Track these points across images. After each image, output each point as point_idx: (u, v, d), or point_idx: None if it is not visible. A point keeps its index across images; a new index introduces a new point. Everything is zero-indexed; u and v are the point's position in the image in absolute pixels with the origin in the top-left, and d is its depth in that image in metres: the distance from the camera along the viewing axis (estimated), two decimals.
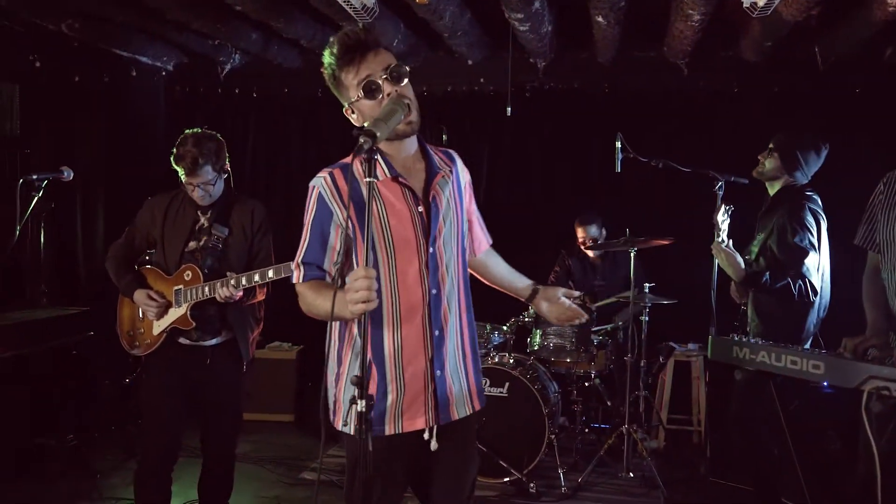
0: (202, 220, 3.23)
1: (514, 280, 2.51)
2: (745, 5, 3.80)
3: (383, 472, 2.04)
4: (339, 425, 2.19)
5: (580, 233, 5.28)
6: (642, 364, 4.69)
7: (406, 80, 2.07)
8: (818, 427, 3.37)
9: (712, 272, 4.50)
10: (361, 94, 2.05)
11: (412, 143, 2.19)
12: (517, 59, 5.26)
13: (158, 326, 3.24)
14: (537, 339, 4.73)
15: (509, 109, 5.18)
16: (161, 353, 3.24)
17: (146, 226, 3.30)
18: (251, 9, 4.37)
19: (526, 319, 4.74)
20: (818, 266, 3.54)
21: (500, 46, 5.36)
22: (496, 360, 4.56)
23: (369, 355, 2.12)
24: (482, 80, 5.74)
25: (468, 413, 2.23)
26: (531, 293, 2.46)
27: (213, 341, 3.23)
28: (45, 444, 4.49)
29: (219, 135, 3.22)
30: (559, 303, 2.42)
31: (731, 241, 3.44)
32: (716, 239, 3.47)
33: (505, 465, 4.29)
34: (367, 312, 1.83)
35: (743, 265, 3.46)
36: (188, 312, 3.16)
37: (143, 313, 3.28)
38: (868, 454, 2.32)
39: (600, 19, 4.39)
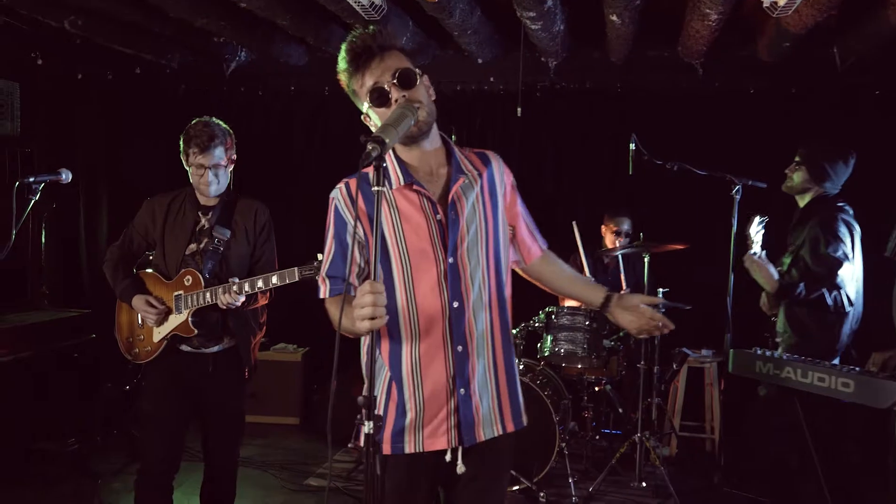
0: (203, 221, 3.14)
1: (582, 288, 2.34)
2: (765, 5, 3.69)
3: (406, 491, 2.02)
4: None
5: (612, 227, 5.14)
6: (655, 370, 4.58)
7: (418, 83, 1.97)
8: (836, 436, 3.26)
9: (728, 278, 4.43)
10: (370, 102, 1.98)
11: (434, 147, 2.07)
12: (528, 58, 5.15)
13: (159, 333, 3.15)
14: (548, 344, 4.62)
15: (520, 110, 5.07)
16: (161, 360, 3.14)
17: (145, 227, 3.21)
18: (257, 6, 4.27)
19: (536, 325, 4.65)
20: (853, 276, 3.45)
21: (511, 45, 5.26)
22: None
23: (387, 373, 2.06)
24: (492, 79, 5.62)
25: (497, 434, 2.07)
26: (604, 301, 2.23)
27: (215, 348, 3.14)
28: (46, 448, 4.43)
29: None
30: (640, 311, 2.18)
31: (764, 253, 3.35)
32: (749, 251, 3.38)
33: (514, 473, 4.19)
34: (380, 327, 1.76)
35: (776, 276, 3.36)
36: (189, 319, 3.07)
37: (142, 320, 3.19)
38: None
39: (614, 18, 4.28)
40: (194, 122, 3.10)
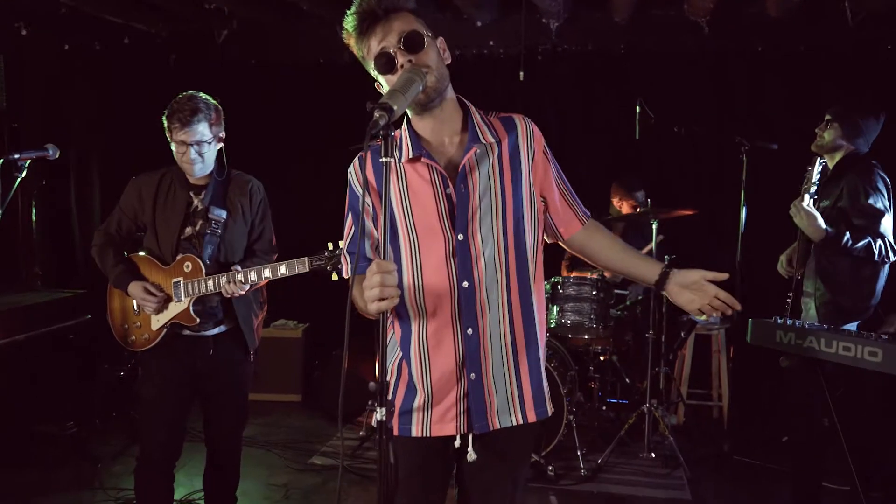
0: (195, 201, 2.98)
1: (633, 263, 2.07)
2: None
3: (417, 474, 1.95)
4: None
5: (631, 202, 5.00)
6: (662, 339, 4.49)
7: (426, 47, 1.83)
8: (860, 406, 3.18)
9: (737, 243, 4.33)
10: (376, 68, 1.85)
11: (450, 114, 1.93)
12: (529, 20, 4.98)
13: (157, 321, 3.01)
14: (554, 315, 4.53)
15: (522, 74, 4.91)
16: (160, 345, 3.01)
17: (133, 209, 3.04)
18: None
19: None
20: (890, 228, 3.40)
21: (510, 6, 5.09)
22: None
23: (399, 351, 1.98)
24: (492, 42, 5.44)
25: (514, 424, 1.94)
26: (660, 278, 1.99)
27: (216, 330, 3.02)
28: (45, 431, 4.35)
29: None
30: (703, 289, 1.92)
31: (812, 201, 3.27)
32: (802, 197, 3.29)
33: None
34: (390, 308, 1.65)
35: (824, 225, 3.28)
36: (191, 307, 2.95)
37: (138, 307, 3.05)
38: None
39: None
40: (179, 96, 2.92)
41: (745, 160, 4.30)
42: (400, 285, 1.89)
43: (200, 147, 2.88)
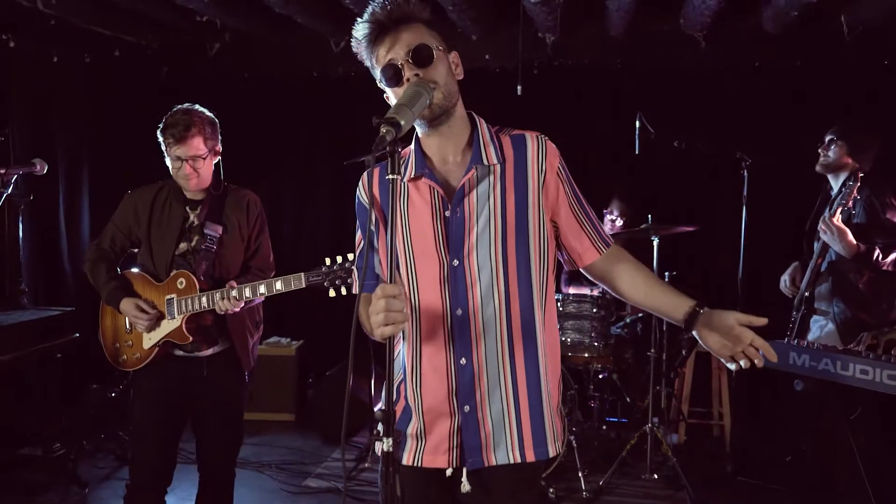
0: (192, 217, 2.91)
1: (659, 298, 1.87)
2: None
3: (419, 501, 1.86)
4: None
5: (623, 209, 4.96)
6: (663, 357, 4.42)
7: (434, 62, 1.76)
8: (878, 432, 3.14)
9: (739, 259, 4.29)
10: (383, 79, 1.79)
11: (457, 132, 1.84)
12: (524, 33, 4.93)
13: (149, 340, 2.91)
14: None
15: (520, 88, 4.85)
16: (152, 366, 2.92)
17: (128, 224, 2.96)
18: None
19: None
20: None
21: (506, 21, 5.04)
22: None
23: (401, 376, 1.90)
24: (487, 57, 5.39)
25: (511, 462, 1.82)
26: (689, 318, 1.80)
27: (210, 351, 2.93)
28: (30, 454, 4.23)
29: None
30: (735, 334, 1.71)
31: (841, 218, 3.27)
32: (833, 214, 3.28)
33: None
34: (396, 333, 1.60)
35: (855, 241, 3.26)
36: (184, 325, 2.85)
37: (130, 325, 2.96)
38: None
39: None
40: (174, 109, 2.86)
41: (747, 175, 4.27)
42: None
43: (196, 162, 2.81)
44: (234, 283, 2.80)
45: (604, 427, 4.80)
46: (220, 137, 2.94)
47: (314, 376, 5.25)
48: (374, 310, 1.58)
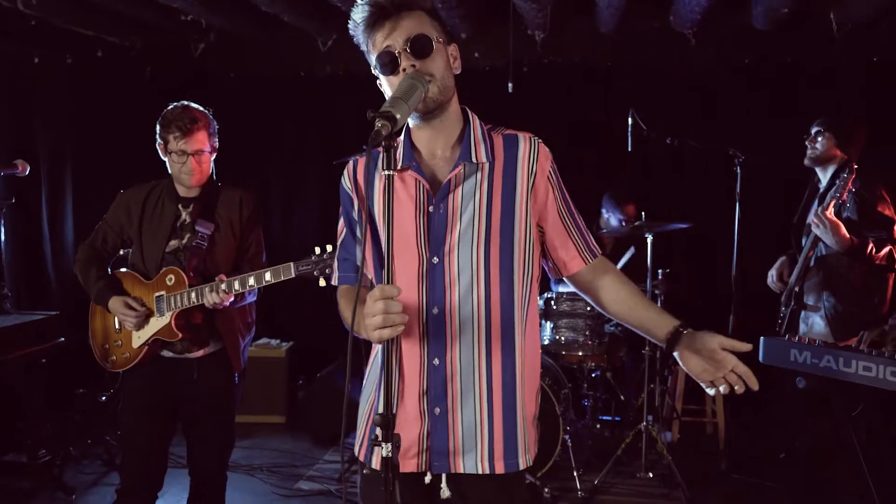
0: (183, 214, 2.87)
1: (642, 315, 1.81)
2: None
3: None
4: (357, 446, 1.89)
5: (630, 210, 4.88)
6: (657, 355, 4.40)
7: (433, 53, 1.70)
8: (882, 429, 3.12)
9: (732, 256, 4.27)
10: (378, 66, 1.73)
11: (449, 126, 1.79)
12: (514, 31, 4.90)
13: (139, 338, 2.86)
14: (548, 332, 4.43)
15: (511, 86, 4.81)
16: (141, 368, 2.86)
17: (120, 223, 2.93)
18: None
19: None
20: None
21: (496, 18, 5.00)
22: None
23: (378, 374, 1.84)
24: (477, 55, 5.35)
25: (479, 472, 1.75)
26: (671, 338, 1.73)
27: (200, 352, 2.88)
28: (15, 460, 4.13)
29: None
30: (717, 358, 1.65)
31: (833, 211, 3.23)
32: (826, 208, 3.24)
33: None
34: (394, 336, 1.57)
35: (848, 236, 3.23)
36: (173, 322, 2.80)
37: (119, 324, 2.91)
38: None
39: None
40: (171, 106, 2.84)
41: (739, 172, 4.25)
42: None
43: (200, 156, 2.79)
44: (223, 277, 2.75)
45: (598, 426, 4.78)
46: (217, 135, 2.94)
47: (304, 378, 5.19)
48: (371, 310, 1.53)
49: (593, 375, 4.65)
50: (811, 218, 3.40)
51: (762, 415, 4.84)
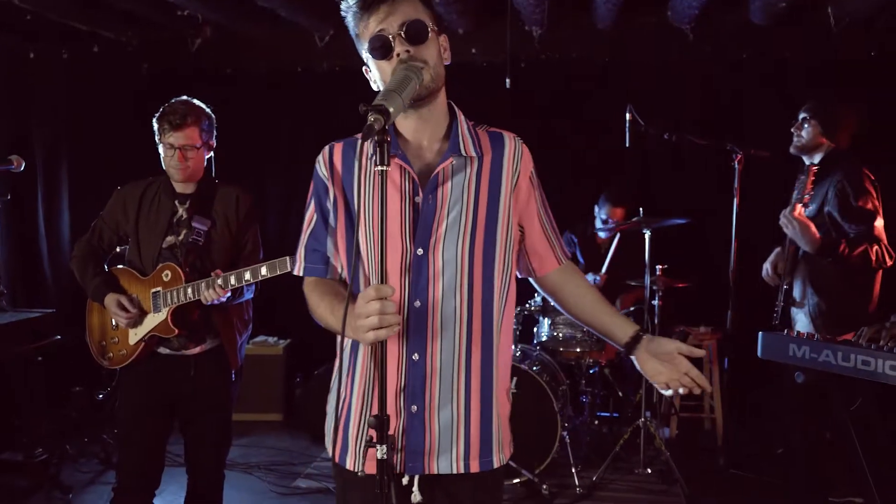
0: (180, 210, 2.86)
1: (605, 319, 1.86)
2: None
3: None
4: (330, 450, 1.82)
5: (618, 213, 4.88)
6: None
7: (428, 40, 1.68)
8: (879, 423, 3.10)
9: (729, 252, 4.26)
10: (370, 50, 1.70)
11: (436, 118, 1.77)
12: (512, 27, 4.88)
13: (135, 335, 2.85)
14: (545, 328, 4.42)
15: (508, 81, 4.80)
16: (138, 365, 2.85)
17: (117, 219, 2.92)
18: None
19: (532, 308, 4.44)
20: (883, 230, 3.26)
21: (493, 14, 4.99)
22: None
23: (349, 372, 1.78)
24: (474, 51, 5.34)
25: (454, 471, 1.73)
26: (631, 341, 1.81)
27: (197, 350, 2.86)
28: (11, 459, 4.11)
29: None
30: (674, 362, 1.74)
31: (804, 210, 3.15)
32: (795, 205, 3.16)
33: (515, 465, 3.98)
34: (387, 338, 1.53)
35: (818, 236, 3.15)
36: (170, 318, 2.79)
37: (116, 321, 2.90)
38: None
39: None
40: (173, 100, 2.85)
41: (738, 167, 4.24)
42: (356, 290, 1.72)
43: (188, 151, 2.78)
44: (219, 272, 2.73)
45: (596, 422, 4.78)
46: (215, 133, 2.93)
47: (302, 376, 5.18)
48: (364, 311, 1.49)
49: (591, 372, 4.65)
50: (784, 213, 3.28)
51: (761, 410, 4.85)
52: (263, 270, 2.70)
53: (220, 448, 2.98)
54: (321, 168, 1.81)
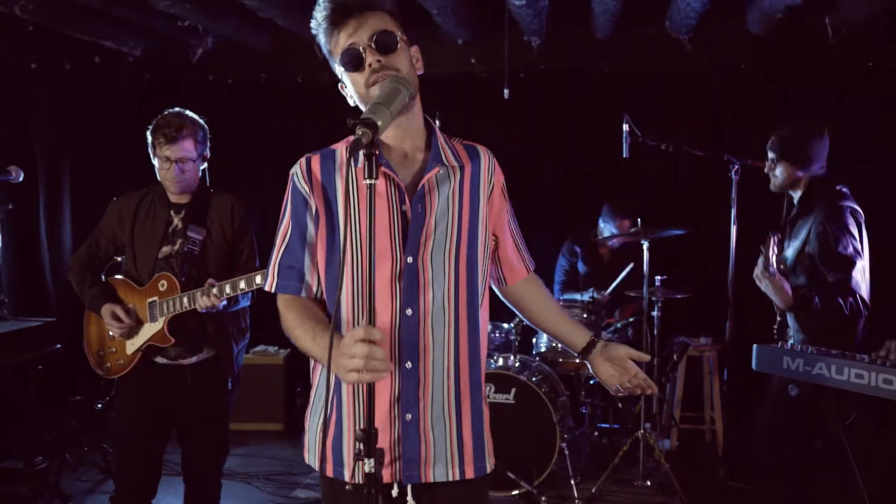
0: (175, 220, 2.88)
1: (564, 327, 2.01)
2: None
3: None
4: (307, 459, 1.84)
5: (625, 225, 4.83)
6: (655, 362, 4.39)
7: (398, 49, 1.71)
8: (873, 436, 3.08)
9: (727, 263, 4.25)
10: (342, 64, 1.72)
11: (415, 127, 1.79)
12: (510, 38, 4.90)
13: (132, 345, 2.87)
14: (544, 339, 4.42)
15: (507, 92, 4.82)
16: (135, 374, 2.87)
17: (113, 230, 2.94)
18: None
19: None
20: (864, 274, 3.18)
21: (492, 25, 5.00)
22: (500, 363, 4.25)
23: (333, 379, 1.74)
24: (473, 61, 5.36)
25: (450, 479, 1.75)
26: (587, 346, 1.95)
27: (194, 359, 2.88)
28: (11, 467, 4.12)
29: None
30: (625, 367, 1.89)
31: (776, 269, 3.09)
32: (764, 267, 3.09)
33: (514, 476, 3.98)
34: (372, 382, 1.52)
35: (791, 293, 3.11)
36: (166, 327, 2.80)
37: None
38: None
39: None
40: (166, 112, 2.86)
41: (735, 178, 4.24)
42: (339, 304, 1.71)
43: (184, 164, 2.80)
44: (213, 281, 2.74)
45: (595, 433, 4.77)
46: (209, 144, 2.95)
47: (302, 385, 5.18)
48: (350, 351, 1.49)
49: (591, 382, 4.64)
50: (756, 271, 3.15)
51: (760, 422, 4.83)
52: (258, 279, 2.69)
53: (217, 457, 2.99)
54: (299, 181, 1.78)
